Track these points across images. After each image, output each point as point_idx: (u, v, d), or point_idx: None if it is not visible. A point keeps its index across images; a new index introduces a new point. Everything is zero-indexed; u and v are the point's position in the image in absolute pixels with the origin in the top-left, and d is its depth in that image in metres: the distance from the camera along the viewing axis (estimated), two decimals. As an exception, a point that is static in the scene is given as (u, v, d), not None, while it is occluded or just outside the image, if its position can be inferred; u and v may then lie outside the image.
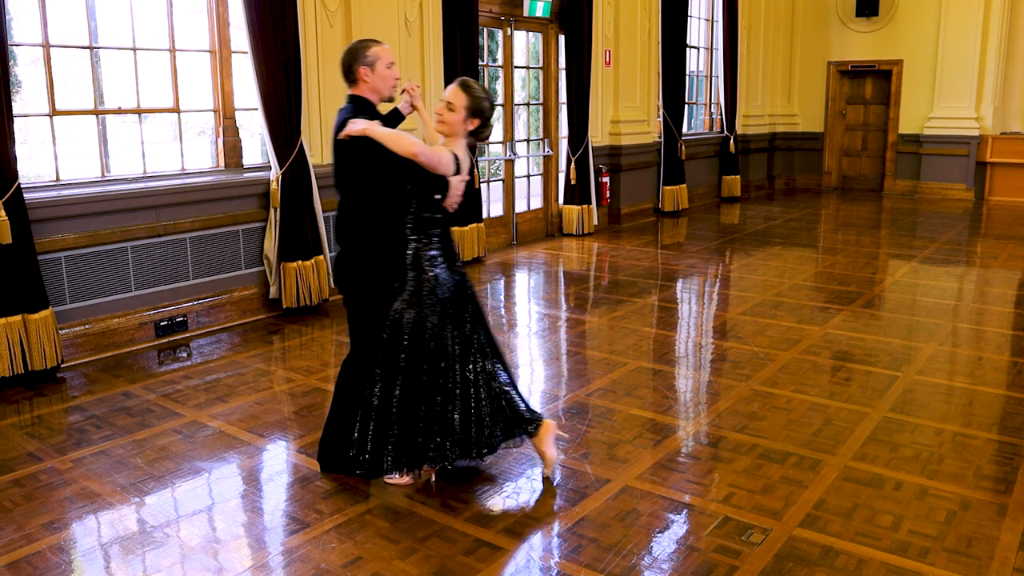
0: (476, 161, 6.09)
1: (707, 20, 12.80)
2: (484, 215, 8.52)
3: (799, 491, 3.50)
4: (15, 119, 4.75)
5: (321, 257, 6.39)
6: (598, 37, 9.72)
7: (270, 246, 6.20)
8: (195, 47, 6.19)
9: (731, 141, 12.67)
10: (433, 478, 3.60)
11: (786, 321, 6.15)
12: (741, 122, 13.09)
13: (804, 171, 14.74)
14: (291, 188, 6.16)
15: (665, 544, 3.13)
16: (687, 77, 11.85)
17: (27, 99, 6.54)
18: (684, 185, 11.41)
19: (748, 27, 13.08)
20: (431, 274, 3.42)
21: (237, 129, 6.42)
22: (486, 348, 3.56)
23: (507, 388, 3.59)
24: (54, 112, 5.33)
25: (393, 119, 3.66)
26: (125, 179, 5.67)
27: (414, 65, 7.37)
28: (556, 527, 3.24)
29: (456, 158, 3.40)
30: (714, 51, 12.83)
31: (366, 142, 3.28)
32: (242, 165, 6.45)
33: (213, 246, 5.99)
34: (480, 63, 8.30)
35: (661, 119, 11.13)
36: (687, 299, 7.32)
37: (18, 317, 4.77)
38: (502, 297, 7.33)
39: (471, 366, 3.49)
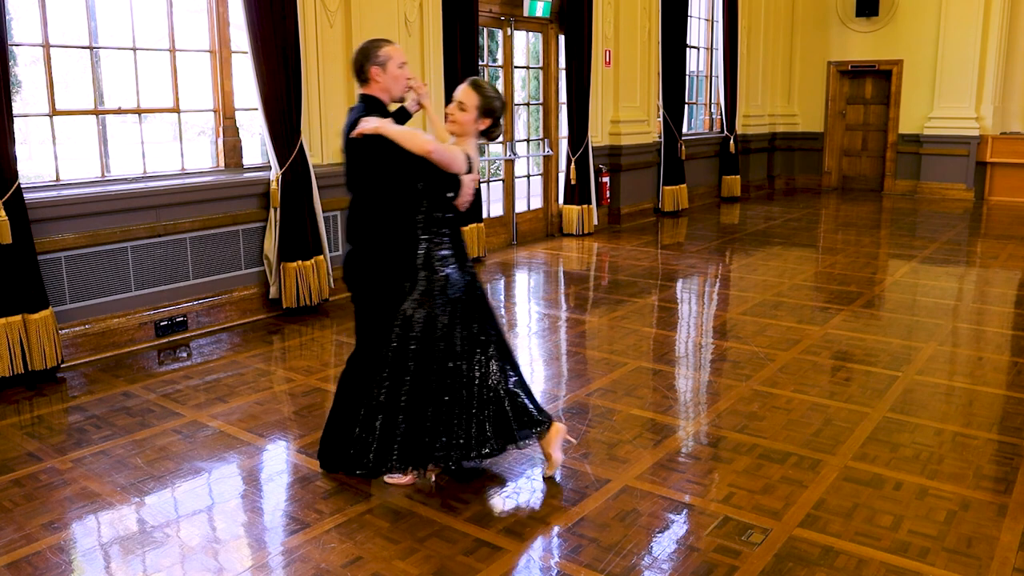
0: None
1: (707, 20, 12.80)
2: (484, 215, 8.52)
3: (799, 491, 3.50)
4: (15, 119, 4.75)
5: (321, 257, 6.39)
6: (598, 37, 9.72)
7: (270, 246, 6.20)
8: (195, 47, 6.19)
9: (731, 141, 12.67)
10: (433, 478, 3.60)
11: (786, 321, 6.15)
12: (741, 122, 13.09)
13: (804, 171, 14.74)
14: (291, 188, 6.16)
15: (665, 544, 3.13)
16: (687, 77, 11.85)
17: (27, 99, 6.54)
18: (684, 185, 11.41)
19: (748, 27, 13.08)
20: (442, 274, 3.41)
21: (237, 129, 6.42)
22: (495, 348, 3.55)
23: (516, 389, 3.58)
24: (54, 112, 5.33)
25: (400, 118, 3.66)
26: (125, 179, 5.67)
27: (414, 65, 7.37)
28: (556, 527, 3.24)
29: (468, 157, 3.40)
30: (714, 51, 12.83)
31: (378, 140, 3.28)
32: (242, 165, 6.45)
33: (213, 246, 5.99)
34: (480, 63, 8.30)
35: (661, 119, 11.13)
36: (687, 299, 7.32)
37: (18, 317, 4.77)
38: (502, 297, 7.33)
39: (479, 366, 3.48)
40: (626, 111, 10.41)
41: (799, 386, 4.77)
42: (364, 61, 3.45)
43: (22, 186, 4.78)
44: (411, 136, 3.29)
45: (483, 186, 8.58)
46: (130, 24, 5.76)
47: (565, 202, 9.74)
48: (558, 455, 3.61)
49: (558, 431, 3.61)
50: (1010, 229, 10.33)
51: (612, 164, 10.31)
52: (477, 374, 3.48)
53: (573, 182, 9.54)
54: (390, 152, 3.29)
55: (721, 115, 12.74)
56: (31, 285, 4.81)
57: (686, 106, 11.79)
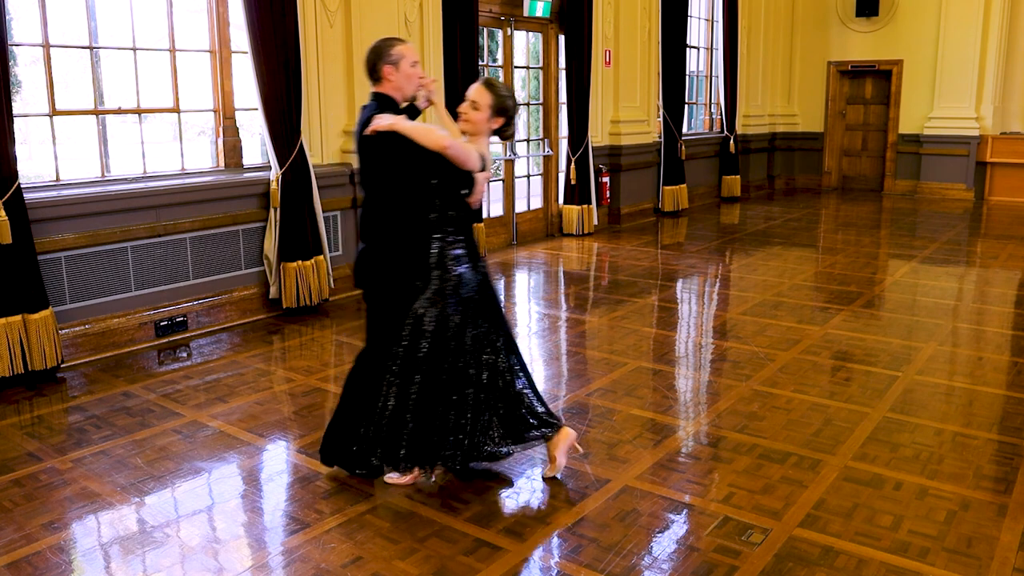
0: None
1: (707, 20, 12.80)
2: (484, 215, 8.51)
3: (799, 491, 3.50)
4: (15, 119, 4.75)
5: (321, 257, 6.39)
6: (598, 37, 9.72)
7: (270, 246, 6.20)
8: (195, 47, 6.19)
9: (731, 141, 12.67)
10: (432, 479, 3.60)
11: (786, 321, 6.15)
12: (741, 122, 13.09)
13: (804, 171, 14.74)
14: (291, 188, 6.16)
15: (665, 544, 3.13)
16: (687, 77, 11.84)
17: (27, 99, 6.54)
18: (684, 185, 11.41)
19: (748, 27, 13.08)
20: (455, 273, 3.40)
21: (237, 129, 6.43)
22: (505, 349, 3.55)
23: (525, 390, 3.58)
24: (54, 112, 5.33)
25: (410, 115, 3.65)
26: (125, 179, 5.67)
27: (414, 65, 7.36)
28: (556, 527, 3.24)
29: (481, 155, 3.40)
30: (714, 51, 12.83)
31: (393, 137, 3.27)
32: (242, 165, 6.45)
33: (213, 246, 5.99)
34: (480, 63, 8.29)
35: (661, 119, 11.13)
36: (687, 299, 7.32)
37: (18, 317, 4.77)
38: (502, 297, 7.33)
39: (489, 366, 3.48)
40: (626, 111, 10.41)
41: (799, 386, 4.77)
42: (377, 60, 3.44)
43: (22, 186, 4.78)
44: (427, 132, 3.28)
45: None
46: (130, 24, 5.76)
47: (565, 202, 9.74)
48: (562, 459, 3.61)
49: (567, 436, 3.61)
50: (1010, 229, 10.33)
51: (612, 164, 10.31)
52: (486, 374, 3.47)
53: (573, 182, 9.54)
54: (404, 148, 3.28)
55: (721, 115, 12.74)
56: (31, 285, 4.81)
57: (686, 106, 11.79)
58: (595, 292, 7.46)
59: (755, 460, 3.81)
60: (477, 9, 7.79)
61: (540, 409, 3.59)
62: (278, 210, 6.15)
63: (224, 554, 3.09)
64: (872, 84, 13.95)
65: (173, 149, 6.19)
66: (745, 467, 3.74)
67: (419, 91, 3.57)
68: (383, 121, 3.27)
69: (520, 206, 9.55)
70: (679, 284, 7.64)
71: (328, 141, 6.78)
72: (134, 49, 5.80)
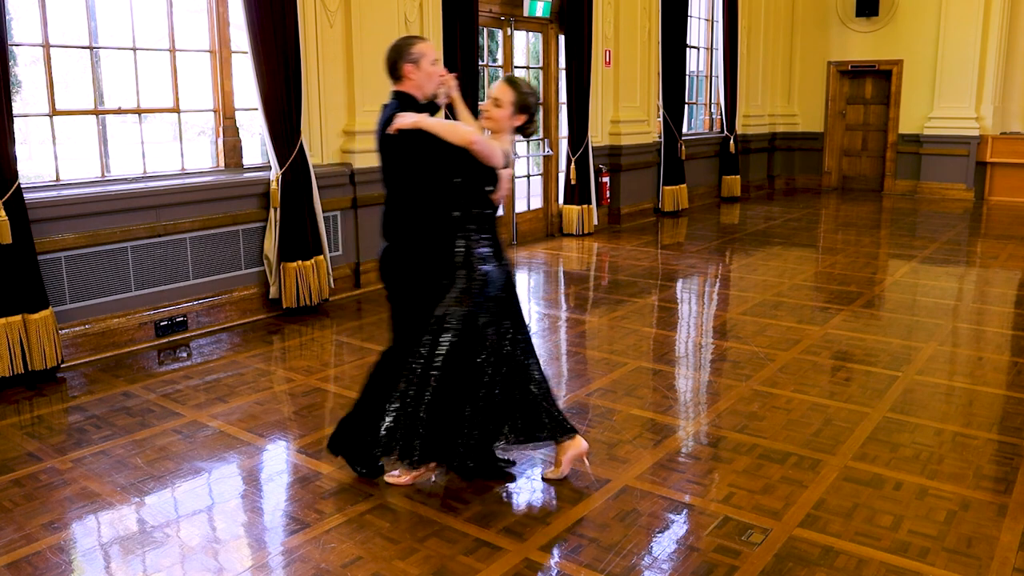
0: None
1: (707, 20, 12.80)
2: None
3: (799, 491, 3.50)
4: (15, 119, 4.75)
5: (321, 257, 6.39)
6: (598, 37, 9.72)
7: (270, 246, 6.20)
8: (195, 47, 6.19)
9: (731, 141, 12.67)
10: (433, 477, 3.59)
11: (786, 321, 6.15)
12: (741, 122, 13.09)
13: (804, 171, 14.74)
14: (291, 188, 6.16)
15: (665, 544, 3.13)
16: (687, 77, 11.84)
17: (27, 99, 6.54)
18: (684, 185, 11.41)
19: (748, 27, 13.08)
20: (482, 271, 3.39)
21: (237, 129, 6.43)
22: (524, 348, 3.54)
23: (541, 391, 3.56)
24: (54, 112, 5.33)
25: (429, 113, 3.64)
26: (125, 179, 5.67)
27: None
28: (556, 527, 3.24)
29: (504, 152, 3.39)
30: (714, 51, 12.83)
31: (416, 135, 3.26)
32: (242, 165, 6.45)
33: (213, 246, 5.99)
34: (480, 63, 8.30)
35: (661, 119, 11.13)
36: (687, 299, 7.32)
37: (18, 317, 4.77)
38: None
39: (508, 365, 3.47)
40: (626, 111, 10.41)
41: (799, 386, 4.77)
42: (397, 58, 3.43)
43: (22, 186, 4.78)
44: (453, 128, 3.28)
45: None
46: (130, 24, 5.76)
47: (565, 202, 9.74)
48: (567, 467, 3.60)
49: (579, 444, 3.59)
50: (1010, 229, 10.33)
51: (612, 164, 10.31)
52: (505, 373, 3.46)
53: (573, 182, 9.54)
54: (428, 146, 3.27)
55: (721, 115, 12.74)
56: (31, 285, 4.81)
57: (686, 106, 11.79)
58: (595, 292, 7.46)
59: (755, 460, 3.81)
60: (477, 9, 7.79)
61: (556, 413, 3.57)
62: (278, 210, 6.15)
63: (224, 554, 3.09)
64: (872, 84, 13.95)
65: (173, 149, 6.19)
66: (745, 467, 3.74)
67: (439, 88, 3.56)
68: (407, 119, 3.25)
69: (520, 206, 9.55)
70: (679, 284, 7.64)
71: (328, 141, 6.78)
72: (134, 49, 5.80)
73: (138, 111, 5.91)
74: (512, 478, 3.64)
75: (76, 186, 5.38)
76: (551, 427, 3.54)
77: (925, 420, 4.27)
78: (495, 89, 3.45)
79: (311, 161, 6.34)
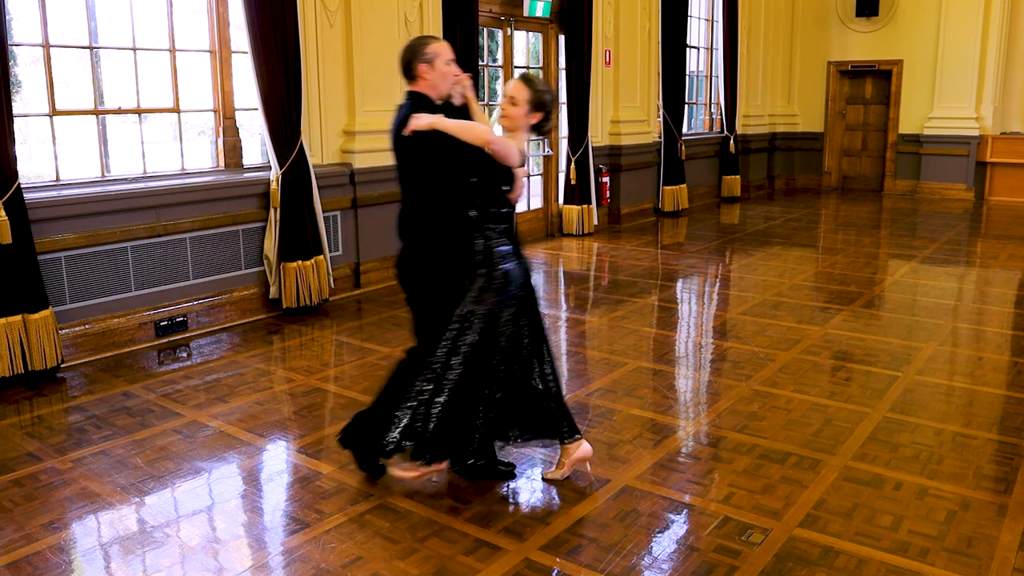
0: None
1: (707, 20, 12.80)
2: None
3: (799, 491, 3.50)
4: (15, 119, 4.75)
5: (321, 257, 6.39)
6: (598, 37, 9.72)
7: (270, 246, 6.20)
8: (195, 47, 6.19)
9: (731, 141, 12.67)
10: (435, 478, 3.59)
11: (786, 321, 6.15)
12: (741, 122, 13.09)
13: (804, 171, 14.74)
14: (291, 188, 6.16)
15: (665, 544, 3.13)
16: (687, 77, 11.84)
17: (27, 99, 6.53)
18: (684, 185, 11.41)
19: (748, 27, 13.08)
20: (502, 269, 3.38)
21: (237, 129, 6.43)
22: (540, 348, 3.54)
23: (554, 391, 3.56)
24: (54, 112, 5.33)
25: (445, 113, 3.64)
26: (125, 179, 5.67)
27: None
28: (556, 527, 3.24)
29: (520, 151, 3.38)
30: (714, 51, 12.83)
31: (431, 135, 3.24)
32: (242, 165, 6.45)
33: (213, 246, 5.99)
34: (480, 63, 8.30)
35: (661, 119, 11.13)
36: (687, 299, 7.32)
37: (18, 317, 4.77)
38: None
39: (524, 364, 3.47)
40: (626, 111, 10.41)
41: (799, 386, 4.77)
42: (412, 58, 3.42)
43: (22, 186, 4.78)
44: (469, 128, 3.28)
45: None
46: (130, 24, 5.76)
47: (565, 202, 9.74)
48: (568, 469, 3.60)
49: (584, 448, 3.59)
50: (1010, 229, 10.33)
51: (612, 164, 10.31)
52: (519, 373, 3.46)
53: (573, 182, 9.54)
54: (444, 146, 3.26)
55: (721, 115, 12.74)
56: (31, 285, 4.80)
57: (686, 106, 11.79)
58: (595, 292, 7.46)
59: (755, 460, 3.81)
60: (477, 9, 7.79)
61: (564, 412, 3.57)
62: (278, 210, 6.15)
63: (224, 554, 3.09)
64: (872, 84, 13.95)
65: (173, 149, 6.19)
66: (745, 467, 3.74)
67: (454, 88, 3.56)
68: (422, 120, 3.24)
69: (520, 206, 9.50)
70: (679, 284, 7.64)
71: (328, 141, 6.78)
72: (134, 49, 5.80)
73: (138, 111, 5.91)
74: (512, 478, 3.64)
75: (76, 186, 5.38)
76: (558, 427, 3.54)
77: (925, 420, 4.27)
78: (511, 87, 3.44)
79: (311, 161, 6.34)
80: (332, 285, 6.58)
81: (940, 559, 3.00)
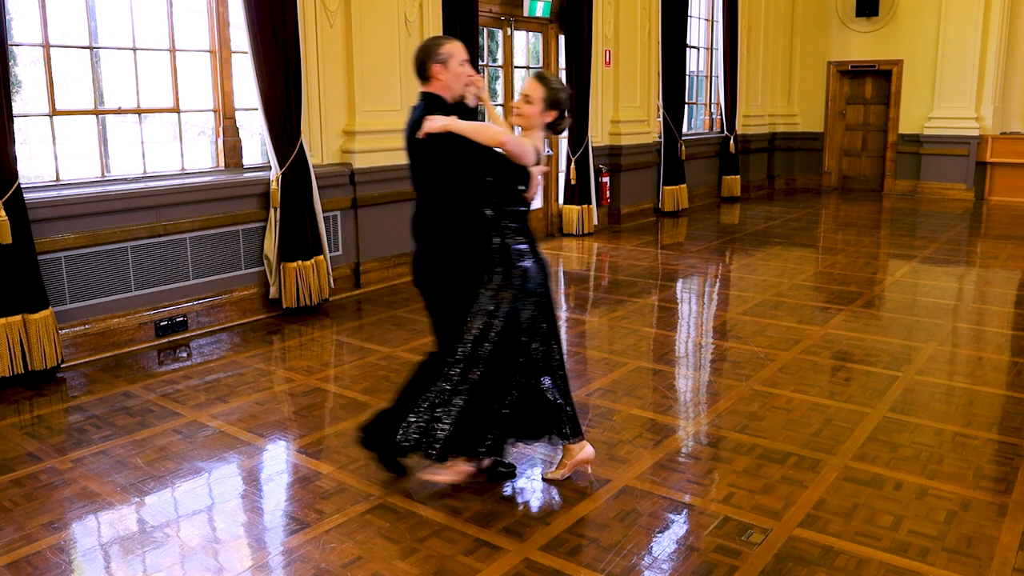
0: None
1: (707, 20, 12.80)
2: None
3: (799, 491, 3.50)
4: (15, 119, 4.75)
5: (321, 257, 6.39)
6: (598, 37, 9.72)
7: (270, 246, 6.20)
8: (195, 47, 6.19)
9: (731, 141, 12.67)
10: (463, 480, 3.55)
11: (786, 321, 6.15)
12: (741, 122, 13.09)
13: (804, 171, 14.74)
14: (291, 188, 6.16)
15: (665, 544, 3.13)
16: (687, 77, 11.84)
17: (27, 99, 6.53)
18: (684, 185, 11.41)
19: (748, 27, 13.08)
20: (520, 267, 3.38)
21: (237, 129, 6.43)
22: (555, 347, 3.54)
23: (564, 390, 3.56)
24: (54, 112, 5.33)
25: (459, 114, 3.64)
26: (125, 179, 5.68)
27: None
28: (556, 527, 3.24)
29: (535, 149, 3.37)
30: (714, 51, 12.83)
31: (446, 137, 3.24)
32: (242, 165, 6.45)
33: (213, 246, 5.99)
34: (480, 63, 8.29)
35: (661, 119, 11.13)
36: (687, 299, 7.32)
37: (18, 317, 4.77)
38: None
39: (541, 363, 3.46)
40: (626, 111, 10.41)
41: (799, 386, 4.77)
42: (426, 59, 3.41)
43: (22, 186, 4.78)
44: (483, 129, 3.27)
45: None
46: (130, 24, 5.76)
47: (565, 202, 9.74)
48: (570, 470, 3.60)
49: (587, 451, 3.59)
50: (1010, 229, 10.33)
51: (612, 164, 10.31)
52: (532, 371, 3.45)
53: (573, 182, 9.54)
54: (458, 148, 3.25)
55: (721, 115, 12.74)
56: (31, 285, 4.81)
57: (686, 106, 11.79)
58: (595, 292, 7.46)
59: (755, 460, 3.81)
60: (477, 9, 7.79)
61: (571, 412, 3.56)
62: (278, 210, 6.15)
63: (224, 554, 3.09)
64: (872, 84, 13.95)
65: (173, 149, 6.19)
66: (745, 467, 3.74)
67: (468, 89, 3.55)
68: (436, 122, 3.23)
69: (523, 205, 9.53)
70: (679, 284, 7.64)
71: (328, 141, 6.78)
72: (134, 49, 5.80)
73: (138, 111, 5.91)
74: (512, 478, 3.64)
75: (76, 186, 5.38)
76: (566, 427, 3.54)
77: (925, 420, 4.27)
78: (525, 85, 3.43)
79: (311, 161, 6.34)
80: (332, 285, 6.58)
81: (940, 559, 3.00)
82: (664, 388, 4.93)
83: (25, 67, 6.71)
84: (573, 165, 9.48)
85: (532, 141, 3.38)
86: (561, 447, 3.62)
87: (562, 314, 6.65)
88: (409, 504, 3.42)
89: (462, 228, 3.41)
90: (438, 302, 3.53)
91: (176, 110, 6.08)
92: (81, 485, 3.61)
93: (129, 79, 5.83)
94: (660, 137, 11.14)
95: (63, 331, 5.14)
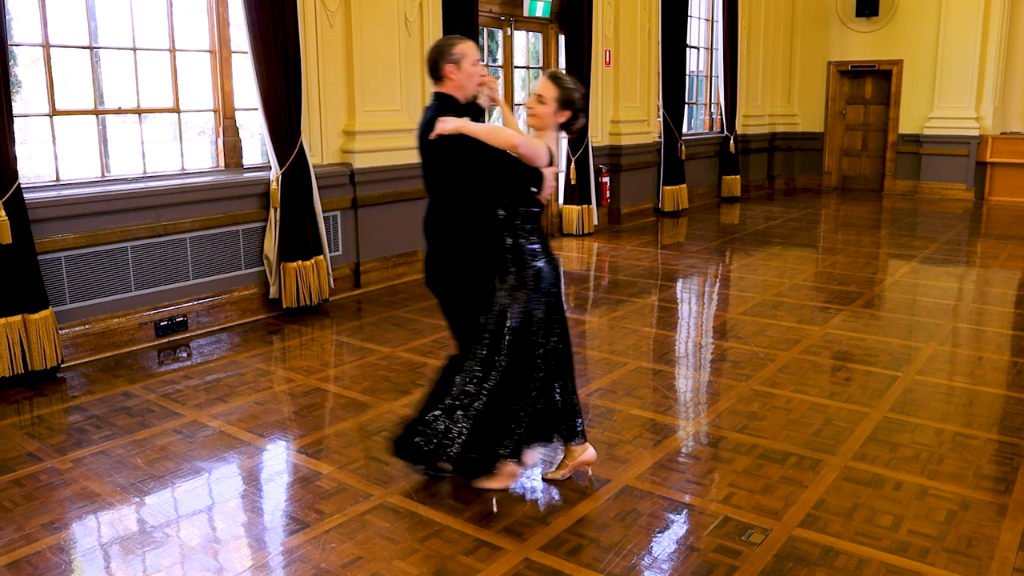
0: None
1: (707, 20, 12.80)
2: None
3: (799, 491, 3.50)
4: (15, 119, 4.75)
5: (321, 257, 6.39)
6: (598, 37, 9.72)
7: (270, 246, 6.20)
8: (195, 47, 6.19)
9: (731, 141, 12.67)
10: (512, 484, 3.54)
11: (786, 321, 6.15)
12: (741, 122, 13.09)
13: (804, 171, 14.74)
14: (291, 188, 6.16)
15: (665, 544, 3.13)
16: (687, 77, 11.84)
17: (27, 99, 6.53)
18: (684, 185, 11.41)
19: (748, 27, 13.08)
20: (534, 268, 3.38)
21: (237, 129, 6.43)
22: (566, 347, 3.54)
23: (573, 391, 3.56)
24: (54, 112, 5.33)
25: (472, 114, 3.63)
26: (125, 179, 5.68)
27: (414, 65, 7.37)
28: (556, 527, 3.24)
29: (548, 150, 3.36)
30: (714, 51, 12.83)
31: (458, 139, 3.24)
32: (242, 165, 6.45)
33: (213, 246, 5.98)
34: (480, 63, 8.28)
35: (661, 119, 11.13)
36: (687, 299, 7.32)
37: (18, 317, 4.77)
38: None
39: (553, 363, 3.46)
40: (626, 111, 10.41)
41: (799, 386, 4.77)
42: (439, 58, 3.40)
43: (22, 186, 4.78)
44: (495, 132, 3.27)
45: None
46: (130, 24, 5.76)
47: (565, 202, 9.74)
48: (570, 471, 3.60)
49: (589, 453, 3.60)
50: (1010, 229, 10.33)
51: (612, 164, 10.31)
52: (549, 370, 3.46)
53: (573, 182, 9.54)
54: (471, 150, 3.25)
55: (721, 115, 12.74)
56: (31, 285, 4.80)
57: (686, 106, 11.79)
58: (595, 292, 7.46)
59: (755, 460, 3.81)
60: (477, 9, 7.79)
61: (578, 413, 3.56)
62: (278, 210, 6.15)
63: (224, 554, 3.09)
64: (872, 84, 13.95)
65: (173, 149, 6.19)
66: (745, 467, 3.74)
67: (481, 89, 3.55)
68: (448, 124, 3.23)
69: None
70: (679, 284, 7.64)
71: (328, 141, 6.78)
72: (134, 49, 5.80)
73: (138, 111, 5.91)
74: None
75: (76, 186, 5.38)
76: (571, 428, 3.54)
77: (925, 420, 4.27)
78: (539, 85, 3.42)
79: (311, 161, 6.34)
80: (332, 285, 6.58)
81: (940, 559, 3.00)
82: (664, 388, 4.93)
83: (25, 67, 6.71)
84: (573, 165, 9.48)
85: (545, 141, 3.37)
86: (562, 447, 3.62)
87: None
88: (409, 504, 3.42)
89: (474, 228, 3.41)
90: (452, 303, 3.54)
91: (176, 110, 6.08)
92: (81, 485, 3.61)
93: (129, 79, 5.82)
94: (660, 137, 11.14)
95: (63, 331, 5.14)
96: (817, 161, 14.58)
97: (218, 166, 6.36)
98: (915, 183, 13.51)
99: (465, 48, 3.42)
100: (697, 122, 13.01)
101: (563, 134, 3.54)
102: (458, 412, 3.39)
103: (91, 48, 5.58)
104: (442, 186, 3.43)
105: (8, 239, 4.65)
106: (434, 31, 7.50)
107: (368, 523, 3.27)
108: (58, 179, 5.38)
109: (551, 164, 3.39)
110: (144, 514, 3.37)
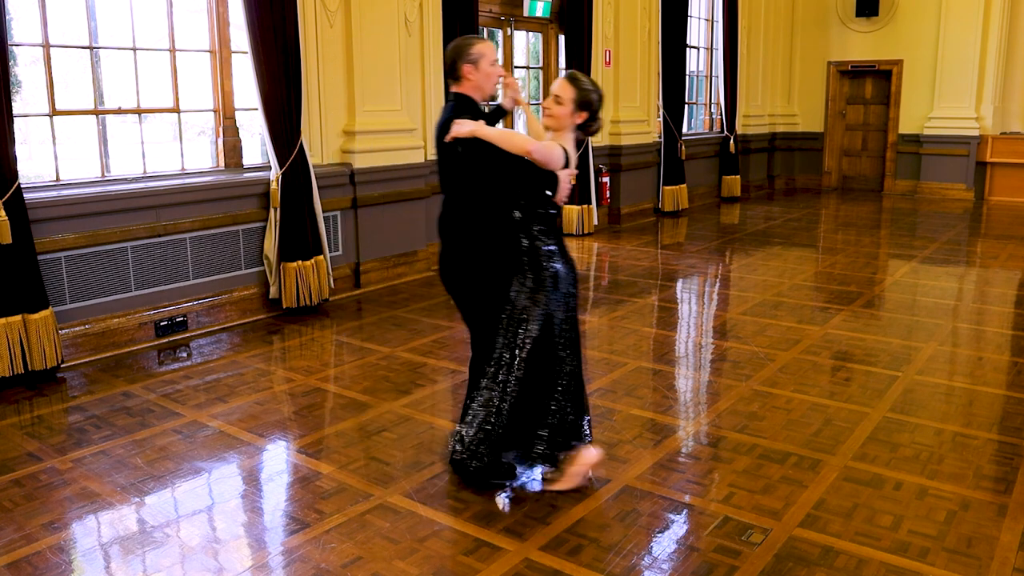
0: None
1: (707, 20, 12.80)
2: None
3: (799, 491, 3.50)
4: (15, 119, 4.75)
5: (321, 257, 6.39)
6: (598, 37, 9.72)
7: (270, 246, 6.20)
8: (195, 47, 6.19)
9: (731, 141, 12.67)
10: (579, 483, 3.55)
11: (786, 321, 6.15)
12: (741, 122, 13.09)
13: (804, 171, 14.75)
14: (291, 188, 6.16)
15: (665, 544, 3.13)
16: (687, 77, 11.85)
17: (27, 99, 6.53)
18: (684, 185, 11.41)
19: (748, 27, 13.08)
20: (551, 269, 3.37)
21: (237, 129, 6.43)
22: (578, 349, 3.54)
23: (581, 393, 3.57)
24: (54, 112, 5.33)
25: (496, 115, 3.62)
26: (125, 179, 5.68)
27: (414, 65, 7.38)
28: (556, 527, 3.24)
29: (565, 151, 3.35)
30: (714, 51, 12.83)
31: (474, 142, 3.24)
32: (242, 165, 6.45)
33: (213, 246, 5.98)
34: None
35: (661, 119, 11.13)
36: (687, 299, 7.32)
37: (18, 317, 4.77)
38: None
39: (569, 364, 3.46)
40: (626, 111, 10.41)
41: (799, 386, 4.77)
42: (456, 58, 3.40)
43: (22, 186, 4.78)
44: (509, 137, 3.27)
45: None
46: (130, 24, 5.76)
47: (565, 202, 9.72)
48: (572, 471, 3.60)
49: (591, 453, 3.61)
50: (1010, 229, 10.33)
51: (612, 164, 10.31)
52: (566, 370, 3.46)
53: (573, 182, 9.52)
54: (487, 153, 3.25)
55: (721, 115, 12.74)
56: (31, 285, 4.80)
57: (686, 106, 11.79)
58: (595, 292, 7.46)
59: (755, 460, 3.81)
60: (477, 9, 7.79)
61: (585, 413, 3.57)
62: (278, 210, 6.15)
63: (224, 554, 3.09)
64: (872, 84, 13.95)
65: (173, 149, 6.19)
66: (745, 467, 3.74)
67: (505, 91, 3.53)
68: (464, 128, 3.23)
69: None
70: (679, 284, 7.64)
71: (328, 141, 6.78)
72: (134, 49, 5.80)
73: (138, 111, 5.91)
74: (513, 477, 3.63)
75: (76, 186, 5.38)
76: (580, 432, 3.54)
77: (925, 420, 4.27)
78: (556, 86, 3.40)
79: (311, 161, 6.34)
80: (332, 285, 6.58)
81: (940, 559, 3.00)
82: (664, 388, 4.93)
83: (25, 67, 6.71)
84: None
85: (562, 143, 3.36)
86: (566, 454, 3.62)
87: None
88: (409, 504, 3.42)
89: (489, 229, 3.41)
90: (467, 301, 3.54)
91: (176, 110, 6.08)
92: (81, 485, 3.61)
93: (129, 79, 5.82)
94: (660, 137, 11.14)
95: (63, 331, 5.14)
96: (817, 161, 14.58)
97: (218, 166, 6.36)
98: (915, 183, 13.51)
99: (483, 48, 3.42)
100: (697, 122, 13.01)
101: (581, 135, 3.49)
102: (492, 418, 3.38)
103: (91, 48, 5.58)
104: (458, 186, 3.43)
105: (8, 239, 4.65)
106: (434, 31, 7.51)
107: (368, 523, 3.27)
108: (58, 179, 5.38)
109: (567, 166, 3.38)
110: (144, 514, 3.37)
